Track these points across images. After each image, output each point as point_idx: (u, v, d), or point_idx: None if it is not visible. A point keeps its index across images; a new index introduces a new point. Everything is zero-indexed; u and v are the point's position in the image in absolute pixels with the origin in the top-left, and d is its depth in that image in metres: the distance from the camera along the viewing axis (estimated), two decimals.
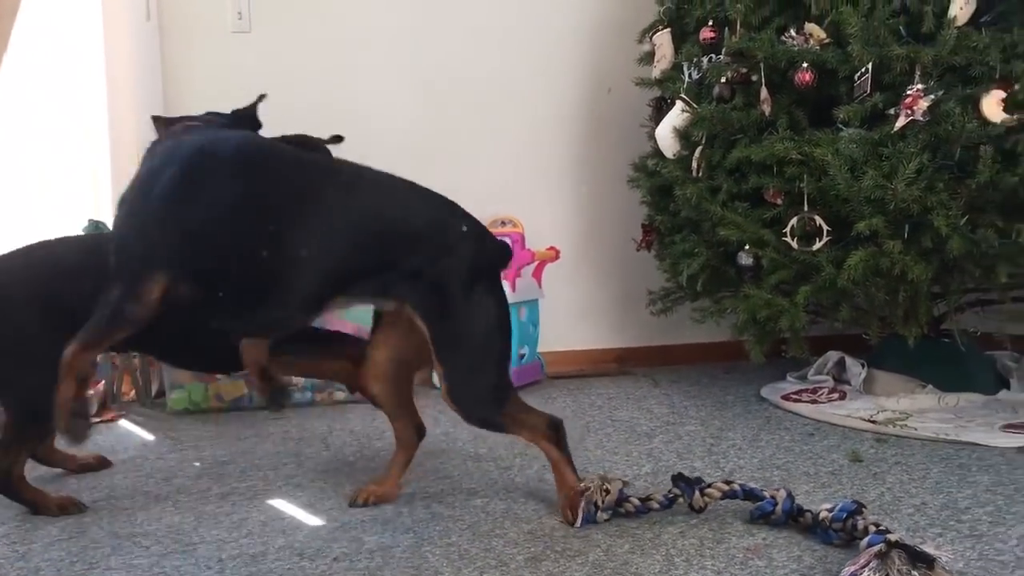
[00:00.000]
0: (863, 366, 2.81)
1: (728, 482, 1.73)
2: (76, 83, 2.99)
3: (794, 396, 2.75)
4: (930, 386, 2.63)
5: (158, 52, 3.06)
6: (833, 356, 2.95)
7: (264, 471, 2.12)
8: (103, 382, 2.77)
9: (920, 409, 2.52)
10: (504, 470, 2.08)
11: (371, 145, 3.28)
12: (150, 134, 3.07)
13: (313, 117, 3.22)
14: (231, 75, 3.16)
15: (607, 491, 1.71)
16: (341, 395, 2.89)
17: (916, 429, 2.33)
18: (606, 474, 1.76)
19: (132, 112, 2.99)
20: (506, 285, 3.01)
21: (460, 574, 1.47)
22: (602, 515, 1.69)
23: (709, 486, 1.72)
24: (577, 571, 1.47)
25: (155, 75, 3.03)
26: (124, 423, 2.66)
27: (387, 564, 1.52)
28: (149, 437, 2.48)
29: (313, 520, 1.76)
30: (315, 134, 3.20)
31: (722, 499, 1.71)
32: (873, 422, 2.42)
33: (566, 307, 3.48)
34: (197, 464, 2.19)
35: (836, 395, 2.73)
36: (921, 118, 2.20)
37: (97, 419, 2.65)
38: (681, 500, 1.72)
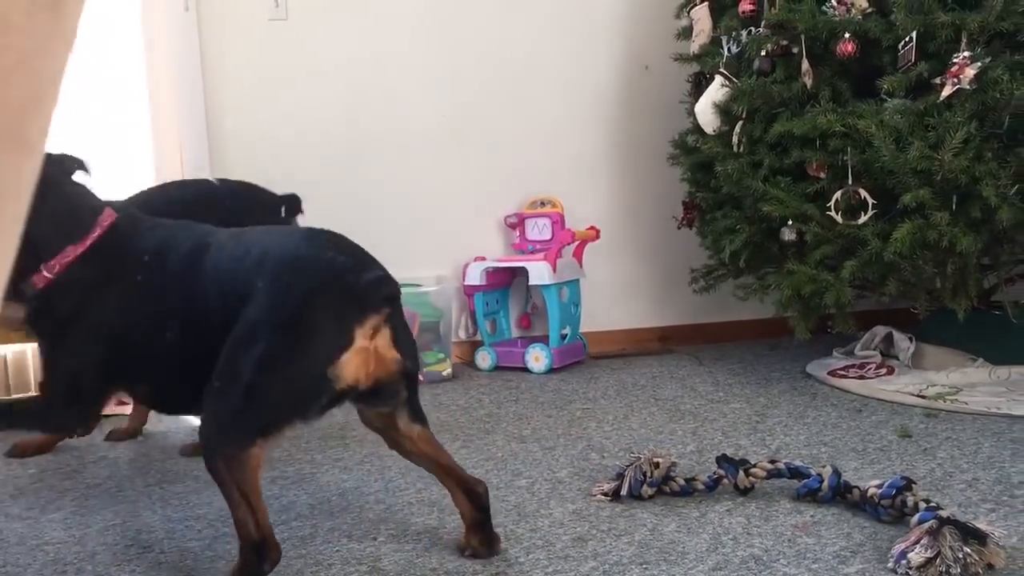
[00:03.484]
0: (911, 340, 2.77)
1: (773, 461, 1.71)
2: (116, 74, 3.04)
3: (841, 372, 2.72)
4: (981, 359, 2.59)
5: (196, 42, 3.08)
6: (880, 331, 2.91)
7: (312, 454, 2.15)
8: None
9: (971, 383, 2.48)
10: (548, 450, 2.08)
11: (407, 131, 3.32)
12: (191, 124, 3.13)
13: (349, 103, 3.26)
14: (268, 63, 3.18)
15: (656, 464, 1.71)
16: None
17: (967, 403, 2.29)
18: (657, 451, 1.76)
19: (172, 101, 3.04)
20: (547, 265, 3.02)
21: (506, 554, 1.48)
22: (647, 489, 1.69)
23: (754, 466, 1.71)
24: (624, 550, 1.47)
25: (194, 64, 3.06)
26: None
27: (434, 545, 1.53)
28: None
29: (361, 502, 1.78)
30: (351, 121, 3.23)
31: (767, 479, 1.70)
32: (922, 397, 2.38)
33: (608, 286, 3.47)
34: None
35: (884, 370, 2.69)
36: (968, 86, 2.15)
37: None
38: (726, 481, 1.71)
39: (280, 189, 2.52)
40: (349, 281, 1.35)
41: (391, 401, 1.44)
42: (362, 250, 1.46)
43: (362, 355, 1.33)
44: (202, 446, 1.37)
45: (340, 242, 1.47)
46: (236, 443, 1.32)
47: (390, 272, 1.44)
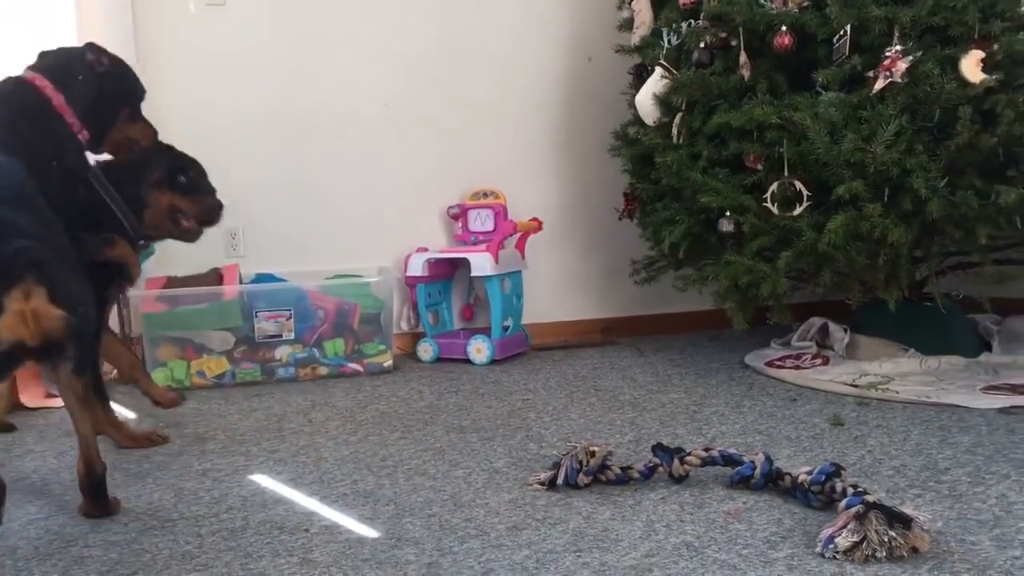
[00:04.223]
0: (846, 331, 2.81)
1: (707, 449, 1.73)
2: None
3: (778, 362, 2.76)
4: (912, 350, 2.64)
5: (131, 26, 3.00)
6: (816, 322, 2.95)
7: (247, 447, 2.11)
8: None
9: (902, 373, 2.53)
10: (486, 441, 2.08)
11: (348, 120, 3.28)
12: None
13: (288, 91, 3.21)
14: (205, 48, 3.12)
15: (592, 453, 1.71)
16: (324, 370, 2.88)
17: (898, 392, 2.33)
18: (593, 441, 1.76)
19: None
20: (489, 257, 3.01)
21: (441, 544, 1.47)
22: (583, 478, 1.69)
23: (688, 454, 1.72)
24: (558, 538, 1.47)
25: (128, 49, 2.98)
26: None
27: (367, 536, 1.52)
28: (131, 415, 2.47)
29: (294, 495, 1.75)
30: (291, 109, 3.19)
31: (702, 466, 1.71)
32: (855, 386, 2.42)
33: (550, 278, 3.48)
34: (178, 441, 2.18)
35: (819, 360, 2.74)
36: (900, 80, 2.19)
37: None
38: (661, 469, 1.72)
39: (218, 179, 2.47)
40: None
41: (66, 355, 1.55)
42: (7, 221, 1.49)
43: (18, 317, 1.44)
44: None
45: None
46: None
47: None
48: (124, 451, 2.12)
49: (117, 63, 2.15)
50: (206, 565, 1.42)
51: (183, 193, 2.35)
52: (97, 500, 1.67)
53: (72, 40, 2.89)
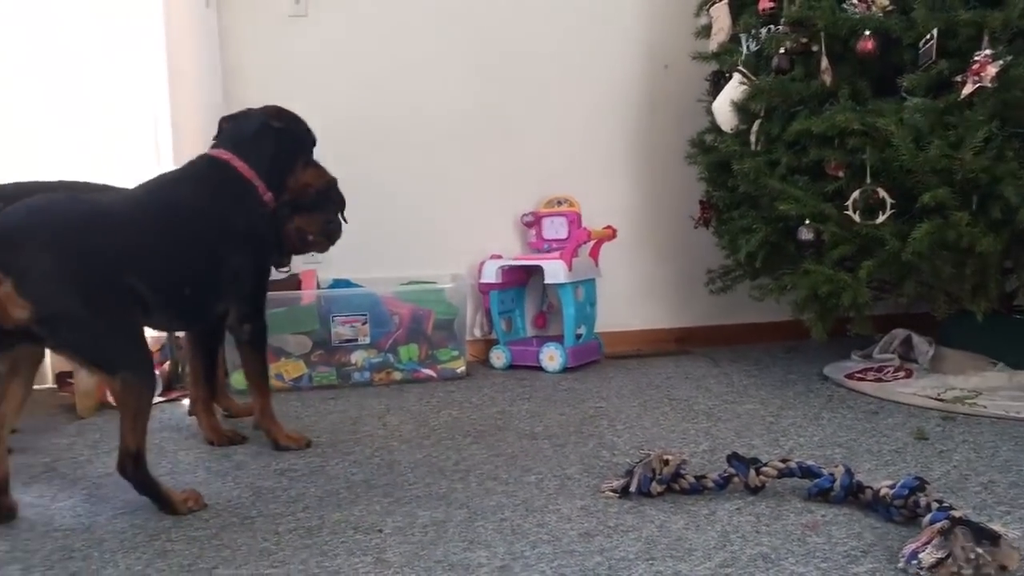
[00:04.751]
0: (931, 344, 2.73)
1: (785, 460, 1.70)
2: (138, 70, 3.05)
3: (858, 375, 2.69)
4: (1001, 364, 2.55)
5: (217, 38, 3.10)
6: (899, 334, 2.87)
7: (323, 448, 2.15)
8: (168, 363, 2.84)
9: (990, 387, 2.44)
10: (558, 448, 2.07)
11: (425, 128, 3.32)
12: (211, 120, 3.16)
13: (368, 100, 3.26)
14: (288, 59, 3.19)
15: (666, 462, 1.70)
16: (398, 375, 2.92)
17: (985, 407, 2.25)
18: (667, 449, 1.75)
19: (193, 98, 3.04)
20: (562, 264, 3.01)
21: (512, 548, 1.47)
22: (656, 486, 1.68)
23: (765, 465, 1.69)
24: (631, 546, 1.46)
25: (214, 60, 3.08)
26: (187, 402, 2.71)
27: (440, 538, 1.53)
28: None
29: (370, 495, 1.77)
30: (368, 117, 3.25)
31: (779, 478, 1.68)
32: (940, 400, 2.35)
33: (624, 286, 3.46)
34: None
35: (902, 373, 2.66)
36: (989, 84, 2.12)
37: (162, 398, 2.71)
38: (736, 479, 1.69)
39: None
40: None
41: (42, 341, 1.69)
42: (6, 213, 1.69)
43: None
44: None
45: None
46: None
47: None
48: (206, 450, 2.17)
49: (293, 119, 2.32)
50: (283, 562, 1.45)
51: (307, 213, 2.46)
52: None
53: (160, 53, 3.02)
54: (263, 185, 2.18)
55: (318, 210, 2.48)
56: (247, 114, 2.28)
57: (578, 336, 3.13)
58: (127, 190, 2.11)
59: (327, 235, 2.55)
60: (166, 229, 1.94)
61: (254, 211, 2.17)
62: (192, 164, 2.20)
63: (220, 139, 2.25)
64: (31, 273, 1.60)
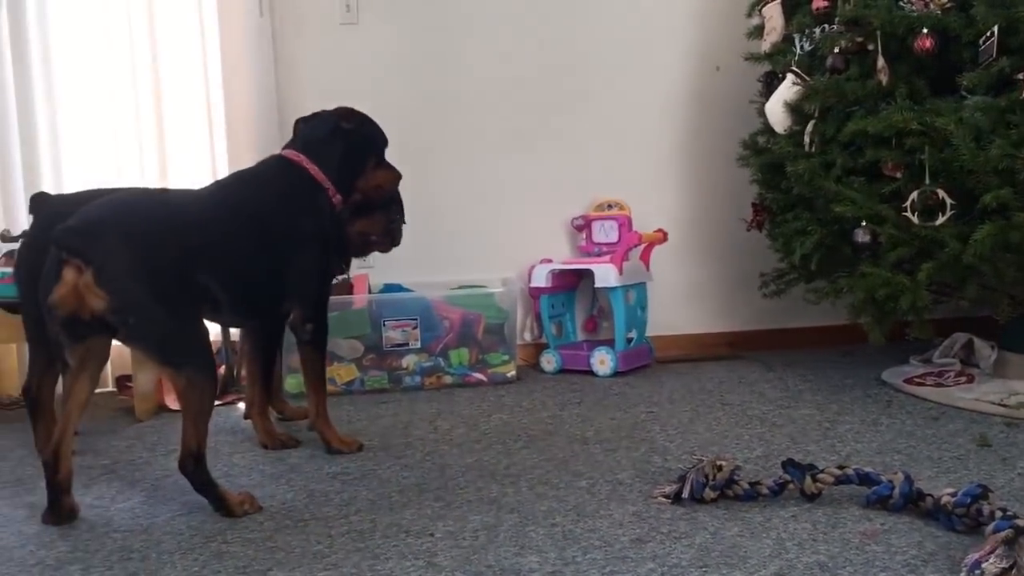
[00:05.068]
0: (993, 348, 2.66)
1: (842, 467, 1.66)
2: (194, 79, 3.12)
3: (918, 379, 2.63)
4: None
5: (271, 46, 3.15)
6: (960, 338, 2.80)
7: (375, 451, 2.16)
8: (223, 366, 2.88)
9: None
10: (610, 452, 2.06)
11: (475, 133, 3.33)
12: (266, 127, 3.20)
13: (419, 105, 3.28)
14: (340, 66, 3.23)
15: (719, 468, 1.67)
16: (449, 379, 2.92)
17: None
18: (721, 455, 1.72)
19: (248, 105, 3.11)
20: (613, 268, 2.99)
21: (564, 554, 1.46)
22: (709, 492, 1.66)
23: (821, 471, 1.66)
24: (684, 553, 1.44)
25: (268, 68, 3.13)
26: (243, 405, 2.75)
27: (491, 542, 1.52)
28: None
29: (420, 499, 1.78)
30: (418, 123, 3.28)
31: (835, 484, 1.65)
32: (1004, 406, 2.29)
33: (675, 290, 3.42)
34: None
35: (964, 378, 2.59)
36: None
37: (218, 402, 2.75)
38: (791, 486, 1.66)
39: None
40: (55, 235, 1.67)
41: (115, 333, 1.70)
42: (89, 207, 1.75)
43: (67, 288, 1.64)
44: None
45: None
46: None
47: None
48: (260, 453, 2.20)
49: (363, 121, 2.34)
50: (336, 565, 1.46)
51: (369, 215, 2.48)
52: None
53: (215, 62, 3.08)
54: (332, 187, 2.21)
55: (380, 211, 2.50)
56: (319, 116, 2.30)
57: (629, 340, 3.11)
58: (201, 189, 2.15)
59: (390, 236, 2.57)
60: (238, 229, 1.98)
61: (323, 213, 2.19)
62: (265, 164, 2.24)
63: (293, 140, 2.28)
64: (110, 265, 1.65)
